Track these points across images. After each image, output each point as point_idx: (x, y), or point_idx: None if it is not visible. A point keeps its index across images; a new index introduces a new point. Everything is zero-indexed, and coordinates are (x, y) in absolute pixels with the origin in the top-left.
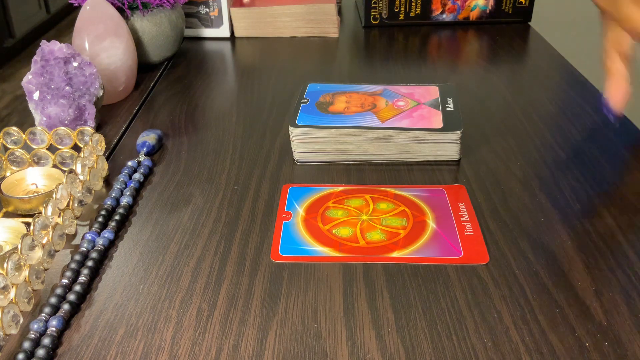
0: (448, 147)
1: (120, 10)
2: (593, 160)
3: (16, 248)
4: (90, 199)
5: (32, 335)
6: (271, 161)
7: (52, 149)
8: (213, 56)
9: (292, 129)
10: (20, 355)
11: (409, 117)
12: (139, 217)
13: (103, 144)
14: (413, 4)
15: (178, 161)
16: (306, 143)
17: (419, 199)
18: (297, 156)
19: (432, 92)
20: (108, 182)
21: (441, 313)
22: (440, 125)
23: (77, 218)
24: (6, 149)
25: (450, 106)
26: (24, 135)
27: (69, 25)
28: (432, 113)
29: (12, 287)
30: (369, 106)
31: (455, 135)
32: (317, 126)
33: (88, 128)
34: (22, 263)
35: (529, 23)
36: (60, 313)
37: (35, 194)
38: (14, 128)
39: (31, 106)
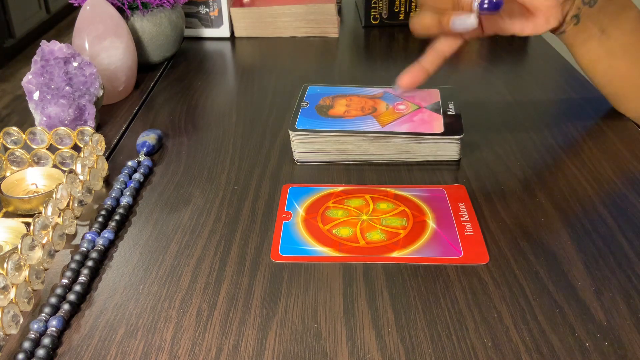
0: (448, 147)
1: (120, 10)
2: (593, 160)
3: (16, 248)
4: (90, 199)
5: (32, 335)
6: (271, 161)
7: (52, 149)
8: (213, 56)
9: (291, 133)
10: (20, 355)
11: (409, 122)
12: (139, 217)
13: (103, 144)
14: (413, 4)
15: (178, 161)
16: (306, 143)
17: (419, 199)
18: (297, 156)
19: (434, 95)
20: (108, 182)
21: (441, 313)
22: (441, 129)
23: (77, 218)
24: (6, 149)
25: (452, 110)
26: (24, 135)
27: (69, 25)
28: (432, 117)
29: (12, 287)
30: (369, 110)
31: (456, 140)
32: (316, 130)
33: (88, 128)
34: (22, 263)
35: None
36: (60, 313)
37: (35, 194)
38: (14, 128)
39: (31, 106)
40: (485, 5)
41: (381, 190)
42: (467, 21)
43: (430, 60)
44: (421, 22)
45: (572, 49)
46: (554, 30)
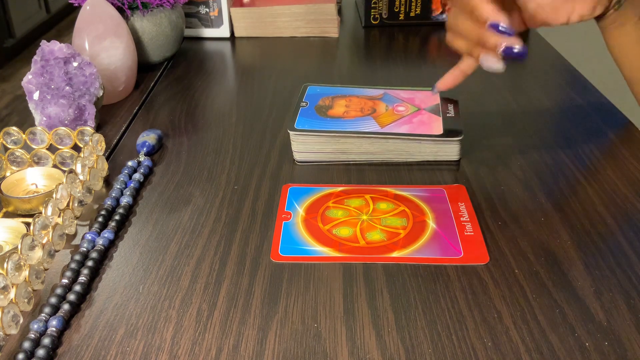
0: (448, 147)
1: (120, 10)
2: (593, 160)
3: (16, 248)
4: (90, 199)
5: (32, 335)
6: (271, 161)
7: (52, 149)
8: (213, 56)
9: (291, 133)
10: (20, 355)
11: (408, 123)
12: (139, 217)
13: (103, 144)
14: (413, 4)
15: (178, 161)
16: (306, 143)
17: (419, 199)
18: (297, 156)
19: (433, 97)
20: (108, 182)
21: (441, 313)
22: (440, 131)
23: (77, 218)
24: (6, 149)
25: (451, 112)
26: (24, 135)
27: (69, 25)
28: (432, 119)
29: (12, 287)
30: (369, 111)
31: (455, 141)
32: (315, 131)
33: (88, 128)
34: (22, 263)
35: None
36: (60, 313)
37: (35, 194)
38: (14, 128)
39: (31, 106)
40: (512, 54)
41: (381, 190)
42: (496, 67)
43: (468, 63)
44: (455, 45)
45: (605, 32)
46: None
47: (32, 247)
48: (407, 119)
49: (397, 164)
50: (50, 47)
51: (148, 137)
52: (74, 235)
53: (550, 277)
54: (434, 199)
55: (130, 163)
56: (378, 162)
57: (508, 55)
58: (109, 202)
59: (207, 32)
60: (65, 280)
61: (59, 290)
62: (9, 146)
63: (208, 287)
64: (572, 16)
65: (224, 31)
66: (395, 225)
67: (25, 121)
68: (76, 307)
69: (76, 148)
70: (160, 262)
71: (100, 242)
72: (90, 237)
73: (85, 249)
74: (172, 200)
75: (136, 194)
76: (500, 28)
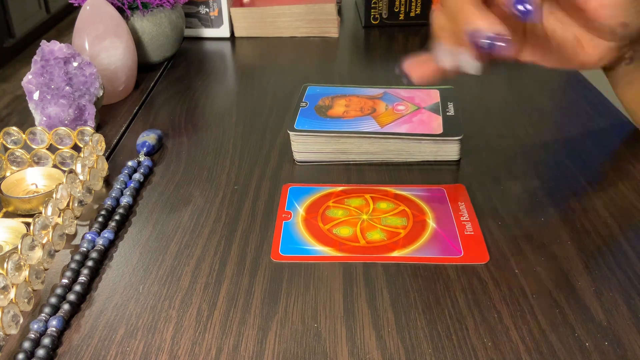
0: (448, 147)
1: (120, 10)
2: (593, 160)
3: (16, 248)
4: (90, 199)
5: (32, 335)
6: (271, 161)
7: (52, 149)
8: (213, 56)
9: (291, 134)
10: (20, 355)
11: (408, 122)
12: (139, 217)
13: (103, 144)
14: (413, 4)
15: (178, 161)
16: (306, 143)
17: (419, 198)
18: (297, 156)
19: (433, 95)
20: (108, 182)
21: (441, 313)
22: (440, 130)
23: (77, 218)
24: (6, 149)
25: (451, 110)
26: (24, 135)
27: (69, 25)
28: (432, 118)
29: (12, 287)
30: (369, 110)
31: (455, 140)
32: (315, 131)
33: (88, 128)
34: (22, 263)
35: None
36: (60, 313)
37: (35, 194)
38: (14, 128)
39: (31, 106)
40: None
41: (381, 190)
42: (470, 65)
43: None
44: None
45: (617, 86)
46: (604, 68)
47: (32, 247)
48: (407, 118)
49: (397, 164)
50: (50, 47)
51: (148, 137)
52: (74, 235)
53: (550, 277)
54: (434, 198)
55: (130, 163)
56: (378, 162)
57: (490, 48)
58: (109, 202)
59: (207, 32)
60: (65, 280)
61: (59, 290)
62: (9, 146)
63: (208, 287)
64: (573, 62)
65: (224, 31)
66: (396, 224)
67: (25, 121)
68: (76, 307)
69: (76, 148)
70: (160, 262)
71: (100, 242)
72: (90, 237)
73: (85, 249)
74: (172, 200)
75: (136, 194)
76: (483, 39)
